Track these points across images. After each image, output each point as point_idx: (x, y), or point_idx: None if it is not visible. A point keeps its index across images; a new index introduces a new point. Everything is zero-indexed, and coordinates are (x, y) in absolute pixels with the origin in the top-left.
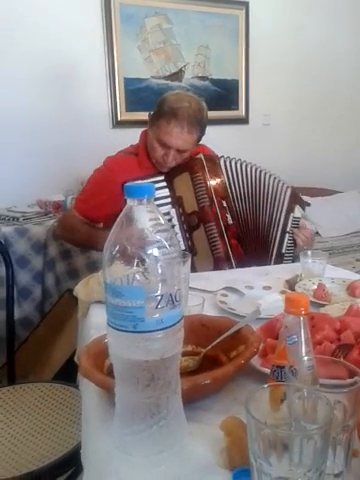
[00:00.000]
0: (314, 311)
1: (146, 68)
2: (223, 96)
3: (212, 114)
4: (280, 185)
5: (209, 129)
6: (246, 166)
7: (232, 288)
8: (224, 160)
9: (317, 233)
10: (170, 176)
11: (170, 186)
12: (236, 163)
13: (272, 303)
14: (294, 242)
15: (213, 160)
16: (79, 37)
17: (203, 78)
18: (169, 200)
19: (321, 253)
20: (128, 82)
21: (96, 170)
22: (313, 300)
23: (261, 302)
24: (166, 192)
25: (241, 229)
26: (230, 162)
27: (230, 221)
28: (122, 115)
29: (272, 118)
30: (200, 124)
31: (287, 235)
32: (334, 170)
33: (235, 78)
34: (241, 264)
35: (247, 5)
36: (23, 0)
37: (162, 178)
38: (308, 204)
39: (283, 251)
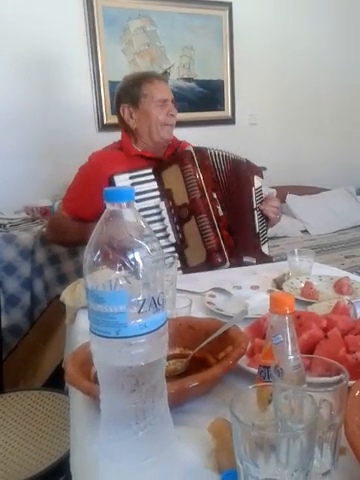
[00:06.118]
0: (302, 309)
1: (131, 70)
2: (209, 97)
3: (198, 115)
4: (240, 163)
5: (196, 130)
6: (224, 154)
7: (220, 289)
8: (210, 152)
9: (305, 231)
10: (159, 169)
11: (158, 179)
12: (220, 153)
13: (260, 302)
14: (265, 217)
15: (202, 152)
16: (62, 41)
17: (188, 79)
18: (158, 193)
19: (308, 251)
20: (113, 85)
21: (81, 167)
22: (301, 298)
23: (249, 302)
24: (154, 185)
25: (231, 220)
26: (216, 154)
27: (221, 213)
28: (108, 118)
29: (259, 118)
30: None
31: (255, 212)
32: (321, 168)
33: (220, 78)
34: (232, 255)
35: (230, 6)
36: (4, 3)
37: (150, 171)
38: (264, 168)
39: (257, 231)
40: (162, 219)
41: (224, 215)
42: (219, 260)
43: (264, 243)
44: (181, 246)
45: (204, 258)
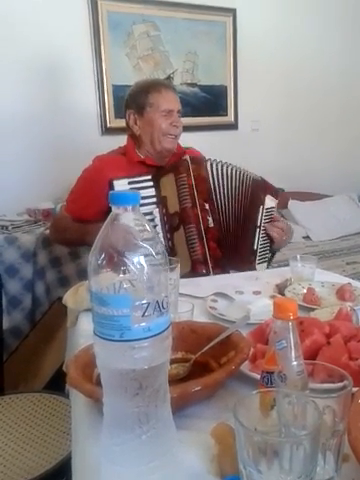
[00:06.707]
0: (304, 315)
1: (135, 75)
2: (212, 102)
3: (201, 120)
4: (251, 180)
5: (199, 135)
6: (229, 168)
7: (222, 293)
8: (210, 163)
9: (307, 237)
10: (158, 176)
11: (156, 186)
12: (222, 166)
13: (262, 308)
14: (269, 238)
15: (199, 162)
16: (67, 45)
17: (192, 84)
18: (154, 200)
19: (310, 257)
20: (117, 89)
21: (85, 170)
22: (303, 304)
23: (251, 307)
24: (152, 192)
25: (223, 232)
26: (216, 165)
27: (211, 224)
28: (111, 122)
29: (261, 123)
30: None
31: (258, 230)
32: (323, 174)
33: (223, 84)
34: (218, 267)
35: (234, 12)
36: (9, 9)
37: (149, 178)
38: (282, 190)
39: (255, 247)
40: (155, 226)
41: (214, 227)
42: (203, 271)
43: (261, 262)
44: (170, 254)
45: (189, 267)
